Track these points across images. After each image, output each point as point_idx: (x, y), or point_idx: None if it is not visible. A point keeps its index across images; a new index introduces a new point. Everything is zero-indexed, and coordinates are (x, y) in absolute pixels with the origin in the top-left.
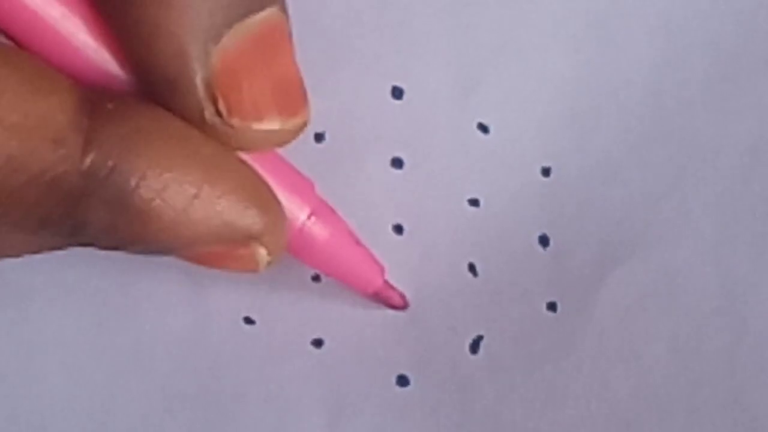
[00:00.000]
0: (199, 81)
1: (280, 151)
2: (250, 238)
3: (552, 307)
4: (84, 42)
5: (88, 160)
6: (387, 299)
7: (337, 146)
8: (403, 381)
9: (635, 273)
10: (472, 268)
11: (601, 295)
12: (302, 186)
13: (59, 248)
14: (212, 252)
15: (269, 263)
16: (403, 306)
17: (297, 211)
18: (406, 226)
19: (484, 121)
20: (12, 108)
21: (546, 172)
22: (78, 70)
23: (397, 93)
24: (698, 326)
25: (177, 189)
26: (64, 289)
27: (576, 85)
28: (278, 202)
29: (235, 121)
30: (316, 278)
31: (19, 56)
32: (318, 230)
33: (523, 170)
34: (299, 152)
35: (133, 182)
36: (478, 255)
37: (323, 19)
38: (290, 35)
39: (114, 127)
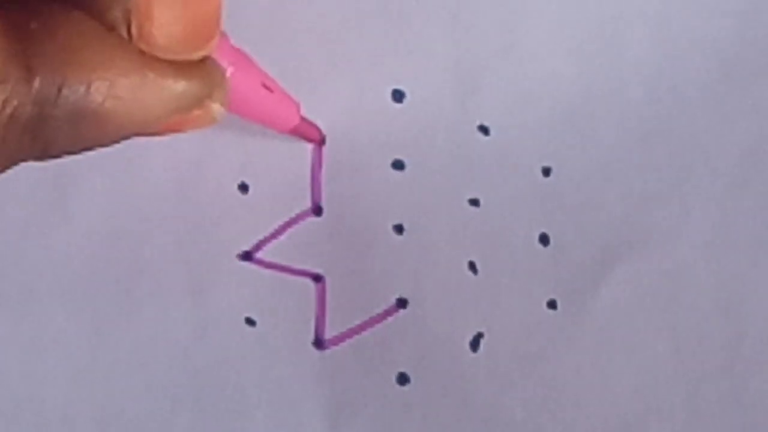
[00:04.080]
0: (117, 3)
1: None
2: (202, 100)
3: (552, 305)
4: None
5: (36, 86)
6: (304, 134)
7: (339, 149)
8: (403, 379)
9: (635, 272)
10: (472, 266)
11: (601, 294)
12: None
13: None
14: (171, 122)
15: (222, 114)
16: (319, 139)
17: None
18: (406, 226)
19: (485, 123)
20: None
21: (546, 172)
22: None
23: (398, 96)
24: (698, 325)
25: (124, 82)
26: (64, 291)
27: (576, 86)
28: (211, 58)
29: (143, 47)
30: (317, 279)
31: None
32: (237, 78)
33: (523, 170)
34: (300, 155)
35: (83, 90)
36: (478, 253)
37: (324, 22)
38: None
39: (47, 45)
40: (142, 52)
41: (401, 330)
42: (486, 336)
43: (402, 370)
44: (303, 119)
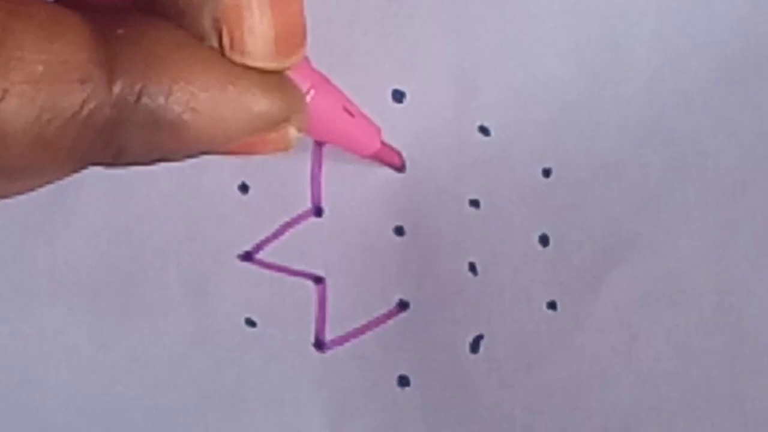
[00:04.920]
0: (207, 13)
1: None
2: (280, 122)
3: (552, 306)
4: None
5: (116, 90)
6: (384, 159)
7: (339, 149)
8: (403, 381)
9: (635, 272)
10: (472, 267)
11: (601, 295)
12: (299, 62)
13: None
14: (246, 143)
15: (298, 139)
16: (401, 165)
17: (299, 86)
18: (407, 227)
19: (485, 124)
20: (34, 59)
21: (546, 172)
22: None
23: (398, 96)
24: (698, 326)
25: (204, 96)
26: (64, 291)
27: (576, 86)
28: (292, 81)
29: (235, 56)
30: (317, 280)
31: (27, 3)
32: (318, 102)
33: (523, 171)
34: (301, 155)
35: (162, 100)
36: (478, 254)
37: (324, 22)
38: None
39: (131, 51)
40: (226, 69)
41: (402, 332)
42: (486, 337)
43: (402, 372)
44: (384, 144)
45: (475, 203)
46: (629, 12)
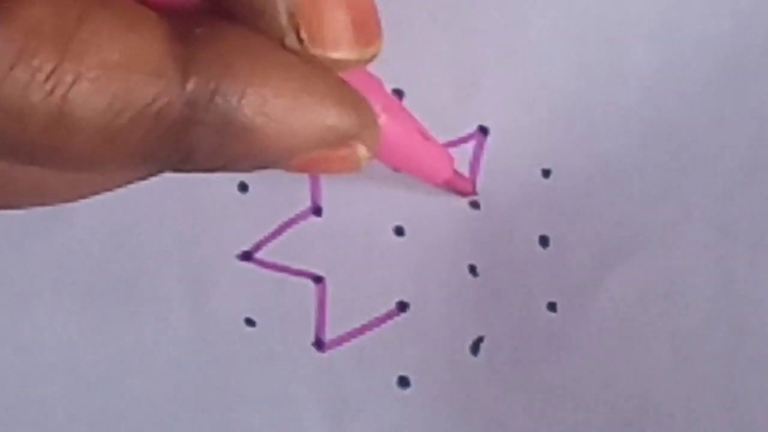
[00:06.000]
0: (282, 9)
1: None
2: (350, 138)
3: (552, 307)
4: None
5: (189, 87)
6: (456, 187)
7: None
8: (403, 382)
9: (635, 273)
10: (472, 269)
11: (601, 296)
12: (372, 84)
13: (156, 174)
14: (314, 158)
15: (368, 160)
16: (472, 192)
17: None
18: (406, 228)
19: (485, 123)
20: (109, 47)
21: (546, 173)
22: None
23: (398, 96)
24: (698, 326)
25: (277, 102)
26: (64, 291)
27: (576, 86)
28: (366, 99)
29: (316, 50)
30: (317, 280)
31: None
32: (389, 127)
33: (523, 172)
34: None
35: (235, 101)
36: (478, 256)
37: None
38: None
39: (207, 50)
40: (302, 77)
41: (402, 333)
42: (486, 339)
43: (402, 373)
44: (455, 172)
45: (474, 204)
46: (629, 12)
